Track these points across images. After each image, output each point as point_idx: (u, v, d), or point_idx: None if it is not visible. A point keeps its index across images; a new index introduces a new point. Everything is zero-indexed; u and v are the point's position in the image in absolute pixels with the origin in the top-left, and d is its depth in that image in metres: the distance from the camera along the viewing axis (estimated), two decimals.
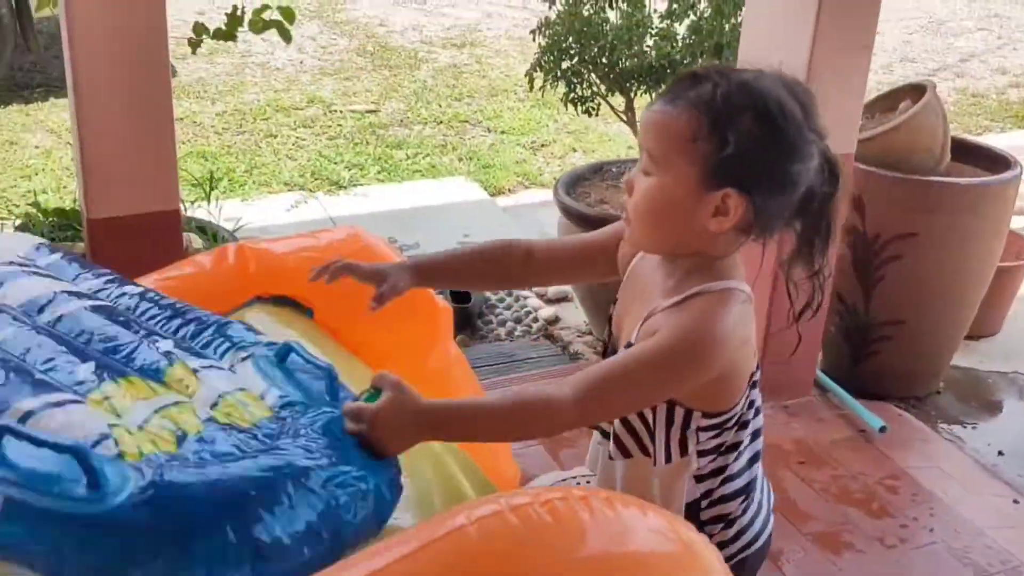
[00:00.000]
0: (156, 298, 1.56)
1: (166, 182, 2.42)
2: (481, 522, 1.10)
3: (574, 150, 5.51)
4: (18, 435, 1.09)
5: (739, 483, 1.50)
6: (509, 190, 5.04)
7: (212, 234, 3.12)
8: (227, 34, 3.04)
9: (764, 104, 1.32)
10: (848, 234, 3.11)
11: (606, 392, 1.34)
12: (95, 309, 1.47)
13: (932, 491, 2.80)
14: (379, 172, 5.13)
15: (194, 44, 3.05)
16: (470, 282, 2.18)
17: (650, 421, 1.44)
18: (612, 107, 3.68)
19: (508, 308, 3.79)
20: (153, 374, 1.34)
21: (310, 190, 4.90)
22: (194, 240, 3.05)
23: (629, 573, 1.17)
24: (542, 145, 5.57)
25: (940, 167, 3.14)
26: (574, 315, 3.80)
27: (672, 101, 1.35)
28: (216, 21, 3.13)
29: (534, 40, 3.61)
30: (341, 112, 5.90)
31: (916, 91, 3.20)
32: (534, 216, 4.56)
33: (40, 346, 1.35)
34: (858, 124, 2.93)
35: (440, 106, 6.07)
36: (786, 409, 3.12)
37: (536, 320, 3.73)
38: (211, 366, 1.38)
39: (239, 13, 3.01)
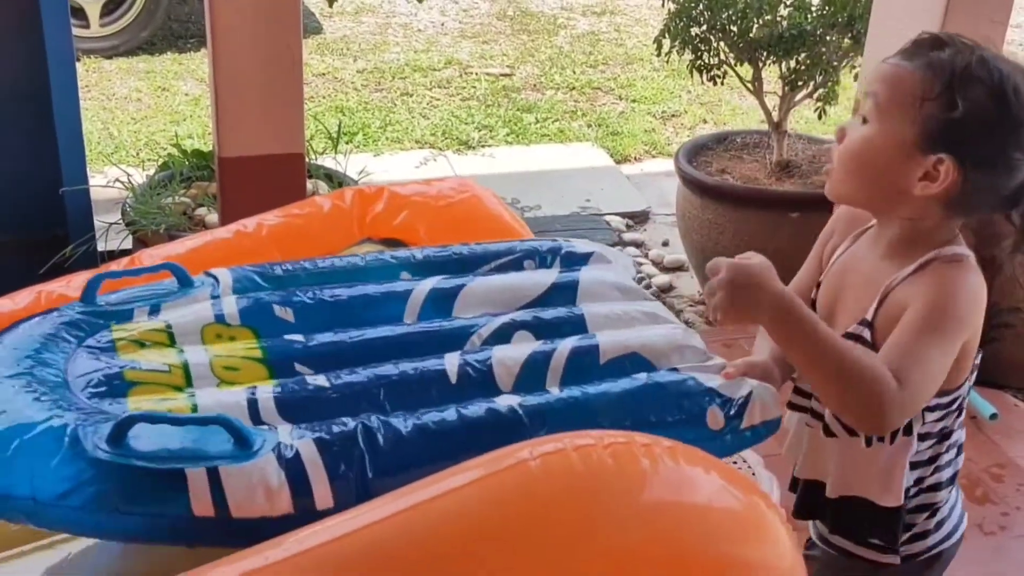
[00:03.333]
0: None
1: (293, 126, 2.54)
2: (544, 458, 1.12)
3: (704, 121, 5.47)
4: (156, 420, 1.17)
5: (947, 473, 1.48)
6: (635, 158, 5.04)
7: (338, 182, 3.25)
8: None
9: (1001, 82, 1.31)
10: None
11: (924, 366, 1.27)
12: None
13: None
14: (508, 134, 5.20)
15: None
16: None
17: None
18: (740, 77, 3.65)
19: None
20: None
21: (440, 149, 5.01)
22: (321, 186, 3.18)
23: (688, 524, 1.17)
24: (672, 115, 5.54)
25: None
26: (688, 284, 3.80)
27: (910, 57, 1.35)
28: None
29: (662, 6, 3.60)
30: (476, 74, 5.99)
31: None
32: (657, 185, 4.56)
33: None
34: None
35: (574, 72, 6.09)
36: None
37: (650, 287, 3.74)
38: None
39: None
